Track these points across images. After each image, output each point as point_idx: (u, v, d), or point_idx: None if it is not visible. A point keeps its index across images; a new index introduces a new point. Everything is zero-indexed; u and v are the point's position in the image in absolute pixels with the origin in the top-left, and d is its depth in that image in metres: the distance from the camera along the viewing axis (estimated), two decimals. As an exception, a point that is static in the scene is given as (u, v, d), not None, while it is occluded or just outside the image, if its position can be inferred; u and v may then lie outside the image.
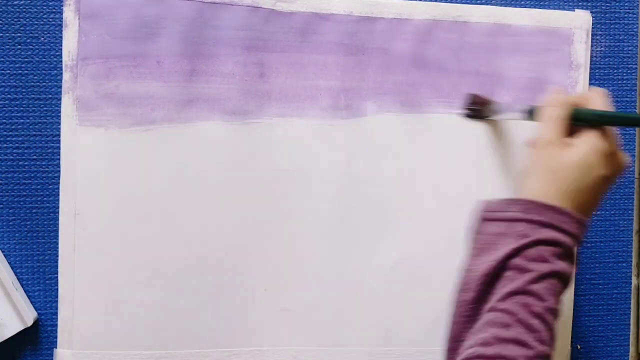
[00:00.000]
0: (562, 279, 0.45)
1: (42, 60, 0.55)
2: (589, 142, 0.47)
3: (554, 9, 0.60)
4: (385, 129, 0.58)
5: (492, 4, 0.60)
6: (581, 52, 0.60)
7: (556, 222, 0.45)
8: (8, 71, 0.55)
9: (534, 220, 0.45)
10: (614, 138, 0.48)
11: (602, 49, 0.61)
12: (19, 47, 0.55)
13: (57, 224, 0.55)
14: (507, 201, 0.47)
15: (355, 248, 0.58)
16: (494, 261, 0.45)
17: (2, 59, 0.55)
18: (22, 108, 0.55)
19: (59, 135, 0.55)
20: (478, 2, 0.59)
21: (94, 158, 0.55)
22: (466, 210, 0.59)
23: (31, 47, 0.55)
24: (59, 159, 0.55)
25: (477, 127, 0.59)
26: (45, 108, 0.55)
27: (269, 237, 0.57)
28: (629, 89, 0.62)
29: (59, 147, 0.55)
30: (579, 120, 0.48)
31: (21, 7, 0.55)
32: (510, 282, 0.44)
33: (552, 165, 0.46)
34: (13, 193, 0.55)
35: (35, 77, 0.55)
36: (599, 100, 0.49)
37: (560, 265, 0.45)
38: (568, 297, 0.61)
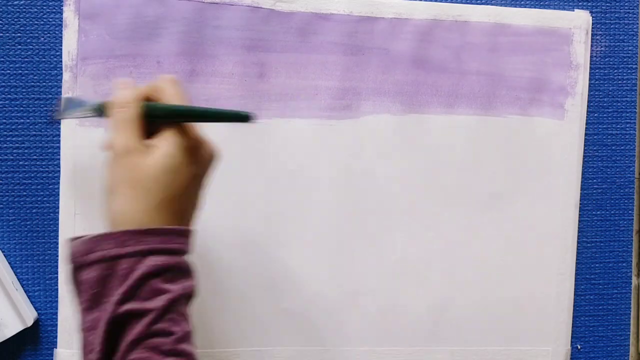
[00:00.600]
0: (185, 297, 0.42)
1: (42, 60, 0.55)
2: (169, 142, 0.42)
3: (554, 9, 0.60)
4: (384, 129, 0.58)
5: (492, 4, 0.59)
6: (581, 52, 0.60)
7: (158, 245, 0.40)
8: (8, 71, 0.55)
9: (134, 252, 0.40)
10: (195, 130, 0.44)
11: (602, 49, 0.61)
12: (19, 47, 0.55)
13: (57, 224, 0.55)
14: (98, 238, 0.40)
15: (355, 248, 0.58)
16: (107, 313, 0.39)
17: (2, 59, 0.55)
18: (22, 108, 0.55)
19: (59, 135, 0.55)
20: (478, 2, 0.59)
21: (94, 158, 0.55)
22: (466, 211, 0.59)
23: (31, 47, 0.55)
24: (59, 159, 0.55)
25: (477, 128, 0.59)
26: (45, 108, 0.55)
27: (269, 236, 0.57)
28: (629, 89, 0.62)
29: (59, 147, 0.55)
30: (155, 117, 0.43)
31: (21, 7, 0.55)
32: (131, 330, 0.39)
33: (135, 177, 0.41)
34: (13, 193, 0.55)
35: (35, 77, 0.55)
36: (171, 91, 0.44)
37: (177, 288, 0.41)
38: (568, 297, 0.61)
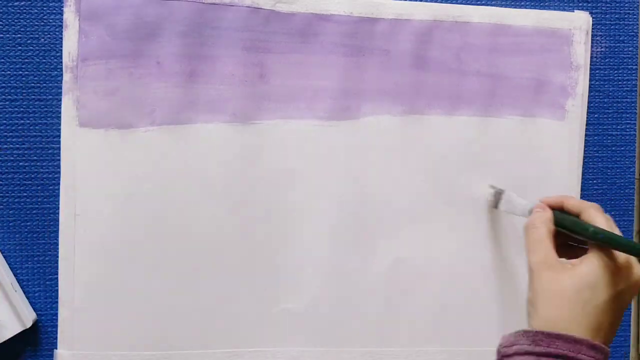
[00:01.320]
0: None
1: (43, 61, 0.55)
2: (591, 261, 0.45)
3: (554, 9, 0.60)
4: (385, 130, 0.58)
5: (492, 5, 0.60)
6: (581, 52, 0.60)
7: (568, 352, 0.42)
8: (8, 72, 0.55)
9: (544, 353, 0.42)
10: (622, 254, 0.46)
11: (602, 49, 0.61)
12: (19, 48, 0.55)
13: (57, 225, 0.55)
14: (520, 333, 0.44)
15: (355, 248, 0.58)
16: None
17: (2, 60, 0.55)
18: (22, 109, 0.55)
19: (59, 136, 0.55)
20: (478, 2, 0.59)
21: (94, 159, 0.55)
22: (466, 211, 0.59)
23: (31, 48, 0.55)
24: (59, 160, 0.55)
25: (478, 129, 0.59)
26: (45, 109, 0.55)
27: (269, 237, 0.57)
28: (629, 90, 0.62)
29: (59, 148, 0.55)
30: (565, 228, 0.48)
31: (21, 8, 0.55)
32: None
33: (554, 289, 0.44)
34: (13, 194, 0.55)
35: (36, 78, 0.55)
36: (592, 212, 0.47)
37: None
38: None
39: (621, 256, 0.45)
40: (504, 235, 0.60)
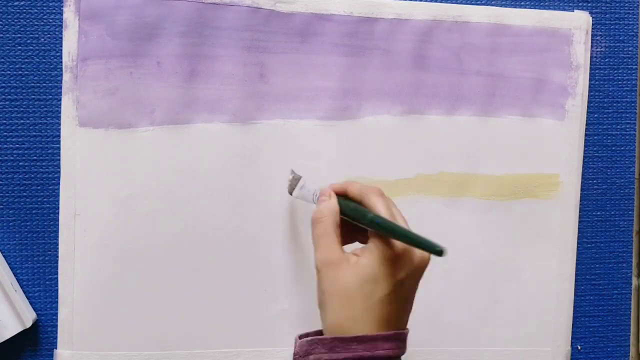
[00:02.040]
0: None
1: (42, 61, 0.55)
2: (370, 252, 0.44)
3: (554, 9, 0.60)
4: (385, 130, 0.58)
5: (492, 4, 0.60)
6: (580, 52, 0.60)
7: (365, 353, 0.42)
8: (8, 72, 0.55)
9: (343, 359, 0.42)
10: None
11: (602, 49, 0.61)
12: (19, 47, 0.55)
13: (57, 225, 0.55)
14: (315, 341, 0.44)
15: (355, 248, 0.58)
16: None
17: (2, 60, 0.55)
18: (22, 109, 0.55)
19: (59, 136, 0.55)
20: (478, 2, 0.59)
21: (94, 159, 0.55)
22: (466, 211, 0.59)
23: (31, 47, 0.55)
24: (59, 160, 0.55)
25: (477, 129, 0.59)
26: (45, 109, 0.55)
27: (269, 237, 0.57)
28: (629, 90, 0.62)
29: (59, 148, 0.55)
30: (348, 216, 0.47)
31: (21, 8, 0.55)
32: None
33: (337, 289, 0.43)
34: (13, 194, 0.55)
35: (36, 78, 0.55)
36: (374, 200, 0.46)
37: None
38: (568, 298, 0.61)
39: (395, 247, 0.44)
40: (504, 235, 0.60)
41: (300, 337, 0.45)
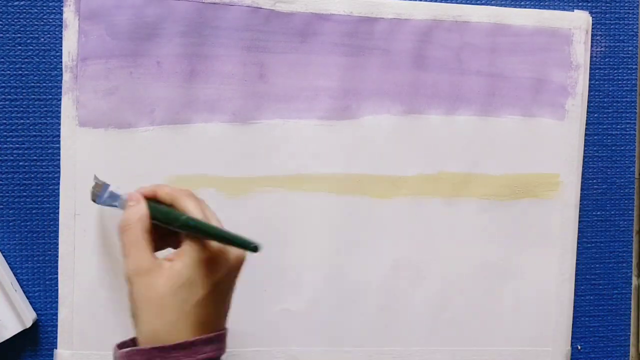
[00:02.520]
0: None
1: (42, 61, 0.55)
2: (184, 256, 0.42)
3: (554, 9, 0.60)
4: (384, 130, 0.58)
5: (492, 4, 0.60)
6: (580, 52, 0.60)
7: (187, 357, 0.41)
8: (8, 71, 0.55)
9: None
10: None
11: (602, 49, 0.61)
12: (19, 47, 0.55)
13: (57, 225, 0.55)
14: (131, 352, 0.42)
15: (355, 248, 0.58)
16: None
17: (2, 59, 0.55)
18: (22, 108, 0.55)
19: (59, 135, 0.55)
20: (478, 2, 0.59)
21: (94, 159, 0.55)
22: (466, 211, 0.59)
23: (31, 47, 0.55)
24: (59, 160, 0.55)
25: (477, 128, 0.59)
26: (45, 108, 0.55)
27: (268, 236, 0.57)
28: (629, 89, 0.62)
29: (59, 148, 0.55)
30: (160, 220, 0.45)
31: (21, 8, 0.55)
32: None
33: (151, 296, 0.42)
34: (13, 193, 0.55)
35: (35, 78, 0.55)
36: (184, 202, 0.45)
37: None
38: (568, 297, 0.61)
39: (210, 248, 0.43)
40: (504, 235, 0.60)
41: (119, 346, 0.44)
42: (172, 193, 0.46)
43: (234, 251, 0.44)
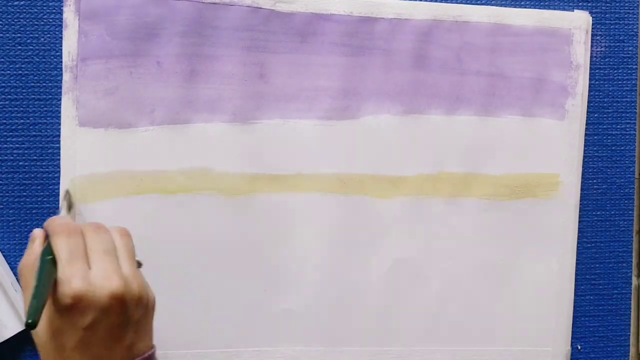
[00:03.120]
0: None
1: (42, 61, 0.55)
2: (49, 306, 0.39)
3: (554, 9, 0.60)
4: (385, 130, 0.58)
5: (492, 4, 0.60)
6: (580, 52, 0.60)
7: None
8: (8, 71, 0.55)
9: None
10: (67, 287, 0.39)
11: (602, 49, 0.61)
12: (19, 47, 0.55)
13: (57, 225, 0.55)
14: None
15: (355, 248, 0.58)
16: None
17: (2, 59, 0.55)
18: (22, 108, 0.55)
19: (59, 135, 0.55)
20: (478, 2, 0.59)
21: (94, 158, 0.55)
22: (466, 211, 0.59)
23: (31, 47, 0.55)
24: (59, 160, 0.55)
25: (477, 128, 0.59)
26: (45, 108, 0.55)
27: (269, 237, 0.57)
28: (629, 89, 0.62)
29: (59, 148, 0.55)
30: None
31: (21, 8, 0.55)
32: None
33: (39, 342, 0.41)
34: (13, 193, 0.55)
35: (35, 78, 0.55)
36: (58, 243, 0.41)
37: None
38: (568, 297, 0.61)
39: (62, 296, 0.39)
40: (504, 235, 0.60)
41: None
42: (48, 231, 0.43)
43: (104, 294, 0.40)
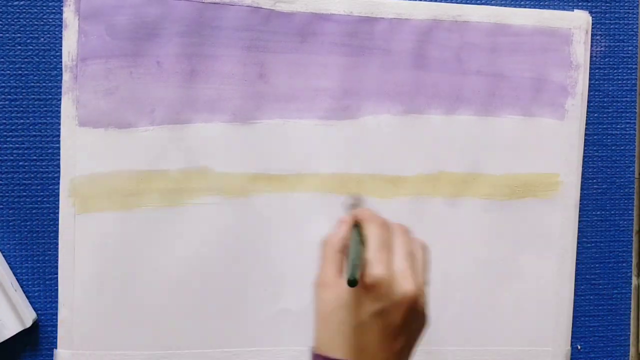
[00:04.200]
0: None
1: (42, 61, 0.55)
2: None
3: (554, 9, 0.60)
4: (385, 130, 0.58)
5: (492, 4, 0.60)
6: (580, 52, 0.60)
7: None
8: (8, 71, 0.55)
9: None
10: (379, 268, 0.42)
11: (601, 49, 0.61)
12: (19, 47, 0.55)
13: (57, 224, 0.55)
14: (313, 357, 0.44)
15: (355, 248, 0.58)
16: None
17: (2, 59, 0.55)
18: (22, 108, 0.55)
19: (59, 135, 0.55)
20: (478, 2, 0.59)
21: (94, 158, 0.55)
22: (465, 211, 0.59)
23: (31, 47, 0.55)
24: (59, 159, 0.55)
25: (477, 128, 0.59)
26: (45, 108, 0.55)
27: (269, 236, 0.57)
28: (629, 89, 0.62)
29: (59, 148, 0.55)
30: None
31: (21, 8, 0.55)
32: None
33: (320, 310, 0.44)
34: (13, 193, 0.55)
35: (35, 78, 0.55)
36: (371, 228, 0.44)
37: None
38: (568, 297, 0.61)
39: (372, 275, 0.42)
40: (504, 235, 0.60)
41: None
42: (361, 217, 0.46)
43: (399, 288, 0.42)
